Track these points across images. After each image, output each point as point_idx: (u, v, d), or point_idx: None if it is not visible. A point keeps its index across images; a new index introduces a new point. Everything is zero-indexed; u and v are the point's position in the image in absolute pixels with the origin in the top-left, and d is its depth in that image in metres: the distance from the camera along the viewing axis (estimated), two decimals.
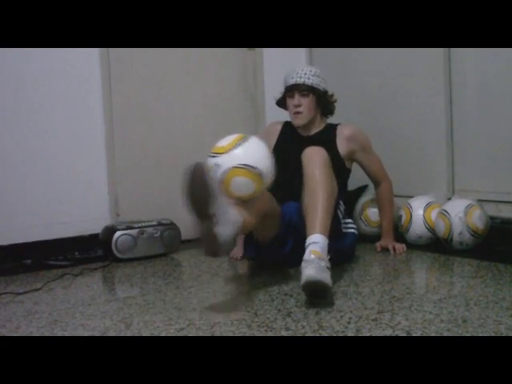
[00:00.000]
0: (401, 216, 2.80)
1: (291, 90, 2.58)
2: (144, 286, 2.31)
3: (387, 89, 3.14)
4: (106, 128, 2.99)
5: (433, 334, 1.58)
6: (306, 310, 1.86)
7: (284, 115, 2.70)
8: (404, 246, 2.67)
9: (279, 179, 2.63)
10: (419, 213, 2.74)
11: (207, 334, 1.68)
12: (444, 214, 2.60)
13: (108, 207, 3.01)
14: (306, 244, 1.98)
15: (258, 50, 3.43)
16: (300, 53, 3.57)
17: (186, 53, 3.18)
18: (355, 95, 3.30)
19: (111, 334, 1.72)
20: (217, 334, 1.68)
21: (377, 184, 2.76)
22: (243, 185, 1.98)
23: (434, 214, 2.69)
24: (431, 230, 2.71)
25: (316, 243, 1.97)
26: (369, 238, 2.82)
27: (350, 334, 1.62)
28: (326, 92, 2.63)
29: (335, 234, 2.17)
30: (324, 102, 2.64)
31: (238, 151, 1.98)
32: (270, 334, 1.66)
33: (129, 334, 1.72)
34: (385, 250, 2.69)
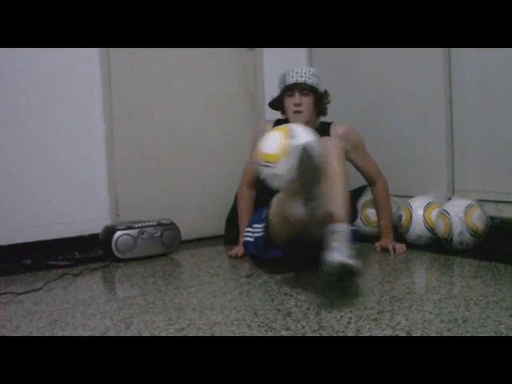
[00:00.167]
0: (401, 216, 2.80)
1: (291, 89, 2.58)
2: (144, 286, 2.31)
3: (387, 89, 3.14)
4: (106, 128, 2.99)
5: (433, 334, 1.58)
6: (306, 310, 1.86)
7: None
8: (404, 245, 2.67)
9: None
10: (419, 213, 2.74)
11: (207, 333, 1.68)
12: (444, 213, 2.60)
13: (108, 207, 3.01)
14: (329, 233, 1.99)
15: (257, 50, 3.43)
16: (300, 53, 3.57)
17: (185, 53, 3.18)
18: (355, 95, 3.31)
19: (111, 333, 1.72)
20: (217, 334, 1.68)
21: (372, 184, 2.77)
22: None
23: (434, 214, 2.69)
24: (431, 229, 2.71)
25: (339, 232, 1.99)
26: (368, 238, 2.82)
27: (350, 334, 1.62)
28: (325, 92, 2.64)
29: None
30: (321, 102, 2.64)
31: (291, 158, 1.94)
32: (270, 334, 1.66)
33: (129, 333, 1.72)
34: (385, 250, 2.69)
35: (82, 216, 2.92)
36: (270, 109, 2.81)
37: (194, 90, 3.25)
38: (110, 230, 2.78)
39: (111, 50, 2.97)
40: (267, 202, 2.45)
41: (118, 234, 2.74)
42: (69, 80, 2.87)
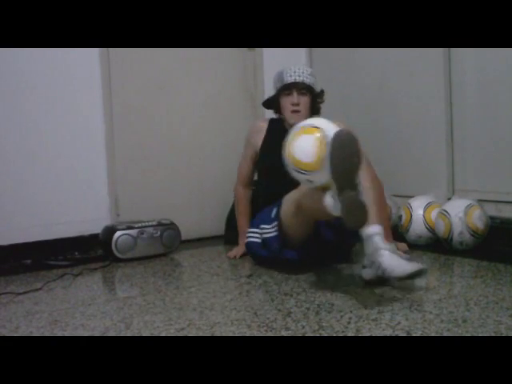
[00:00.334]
0: (401, 216, 2.80)
1: (289, 88, 2.57)
2: (144, 286, 2.30)
3: (387, 89, 3.14)
4: (106, 128, 2.99)
5: (433, 334, 1.58)
6: (306, 310, 1.86)
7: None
8: (405, 245, 2.67)
9: (270, 177, 2.64)
10: (419, 213, 2.74)
11: (207, 334, 1.68)
12: (444, 214, 2.60)
13: (108, 207, 3.01)
14: (370, 233, 1.99)
15: (257, 50, 3.43)
16: (300, 53, 3.57)
17: (185, 53, 3.18)
18: (355, 95, 3.31)
19: (111, 333, 1.72)
20: (217, 334, 1.68)
21: None
22: None
23: (434, 214, 2.69)
24: (431, 229, 2.71)
25: (380, 234, 2.00)
26: None
27: (350, 334, 1.62)
28: (322, 92, 2.64)
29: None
30: (317, 101, 2.64)
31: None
32: (270, 334, 1.66)
33: (129, 333, 1.72)
34: None
35: (82, 216, 2.92)
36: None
37: (194, 90, 3.25)
38: (110, 230, 2.78)
39: (111, 49, 2.97)
40: (271, 202, 2.45)
41: (117, 234, 2.74)
42: (69, 80, 2.87)
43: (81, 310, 1.99)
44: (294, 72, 2.56)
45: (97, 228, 2.88)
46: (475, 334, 1.56)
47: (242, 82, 3.44)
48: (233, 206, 3.06)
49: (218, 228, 3.21)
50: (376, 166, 2.39)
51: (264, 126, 2.72)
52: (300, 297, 2.00)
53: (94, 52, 2.92)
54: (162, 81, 3.16)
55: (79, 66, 2.90)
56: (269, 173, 2.65)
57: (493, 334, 1.56)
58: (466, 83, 2.77)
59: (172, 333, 1.70)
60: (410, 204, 2.79)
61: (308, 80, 2.57)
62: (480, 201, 2.63)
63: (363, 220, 1.86)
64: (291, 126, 2.62)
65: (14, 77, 2.75)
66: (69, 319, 1.88)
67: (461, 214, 2.55)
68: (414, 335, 1.59)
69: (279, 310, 1.86)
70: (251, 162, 2.77)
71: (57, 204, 2.85)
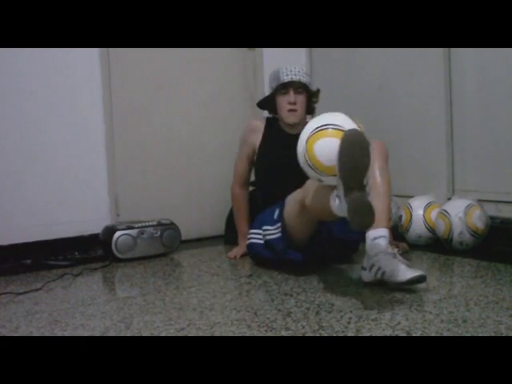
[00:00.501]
0: (401, 216, 2.80)
1: (285, 87, 2.57)
2: (144, 286, 2.31)
3: (387, 89, 3.14)
4: (106, 128, 2.99)
5: (433, 334, 1.58)
6: (306, 310, 1.86)
7: None
8: (405, 245, 2.67)
9: (269, 177, 2.64)
10: (419, 213, 2.74)
11: (207, 334, 1.68)
12: (444, 213, 2.60)
13: (108, 207, 3.01)
14: (375, 236, 2.00)
15: (258, 50, 3.43)
16: (300, 53, 3.57)
17: (186, 53, 3.17)
18: (355, 95, 3.31)
19: (111, 333, 1.72)
20: (217, 334, 1.67)
21: None
22: None
23: (434, 214, 2.69)
24: (431, 229, 2.71)
25: (385, 237, 2.01)
26: None
27: (350, 334, 1.62)
28: (317, 91, 2.64)
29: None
30: (312, 100, 2.65)
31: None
32: (270, 334, 1.66)
33: (129, 333, 1.72)
34: None
35: (82, 216, 2.92)
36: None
37: (193, 90, 3.25)
38: (110, 230, 2.78)
39: (111, 49, 2.97)
40: (270, 202, 2.45)
41: (117, 233, 2.74)
42: (69, 80, 2.87)
43: (81, 309, 1.99)
44: (291, 71, 2.56)
45: (97, 228, 2.88)
46: (475, 334, 1.56)
47: (242, 81, 3.44)
48: (233, 205, 3.06)
49: (218, 228, 3.21)
50: None
51: (261, 125, 2.71)
52: (300, 297, 2.00)
53: (94, 52, 2.92)
54: (162, 81, 3.16)
55: (79, 66, 2.90)
56: (268, 173, 2.64)
57: (493, 334, 1.56)
58: (466, 83, 2.77)
59: (172, 333, 1.70)
60: (409, 204, 2.79)
61: (304, 79, 2.57)
62: (480, 201, 2.63)
63: (369, 222, 1.81)
64: (287, 125, 2.63)
65: (14, 77, 2.75)
66: (69, 319, 1.88)
67: (461, 214, 2.55)
68: (414, 335, 1.59)
69: (279, 310, 1.86)
70: (248, 161, 2.76)
71: (57, 204, 2.85)
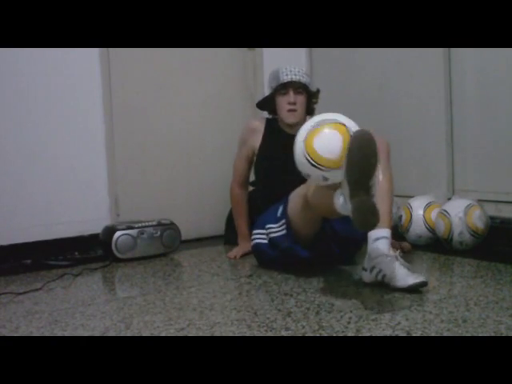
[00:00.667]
0: (401, 216, 2.80)
1: (285, 87, 2.57)
2: (144, 286, 2.31)
3: (387, 89, 3.14)
4: (106, 128, 2.99)
5: (433, 334, 1.58)
6: (306, 310, 1.86)
7: None
8: (408, 244, 2.67)
9: (269, 178, 2.64)
10: (419, 213, 2.74)
11: (207, 334, 1.68)
12: (444, 213, 2.60)
13: (108, 207, 3.01)
14: (377, 236, 2.00)
15: (258, 50, 3.43)
16: (300, 53, 3.57)
17: (186, 53, 3.18)
18: (355, 95, 3.31)
19: (111, 333, 1.72)
20: (217, 334, 1.68)
21: None
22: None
23: (434, 214, 2.69)
24: (431, 229, 2.71)
25: (387, 238, 2.01)
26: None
27: (350, 334, 1.62)
28: (317, 91, 2.64)
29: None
30: (312, 101, 2.64)
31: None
32: (270, 334, 1.66)
33: (129, 333, 1.72)
34: None
35: (82, 216, 2.92)
36: None
37: (193, 90, 3.25)
38: (110, 230, 2.78)
39: (111, 49, 2.97)
40: (270, 203, 2.44)
41: (117, 233, 2.74)
42: (69, 80, 2.87)
43: (81, 309, 1.99)
44: (290, 71, 2.56)
45: (97, 228, 2.88)
46: (475, 334, 1.56)
47: (242, 81, 3.44)
48: None
49: (218, 228, 3.21)
50: None
51: (260, 125, 2.70)
52: (300, 297, 2.00)
53: (94, 52, 2.92)
54: (162, 81, 3.16)
55: (79, 66, 2.90)
56: (268, 174, 2.64)
57: (493, 334, 1.56)
58: (466, 83, 2.77)
59: (172, 333, 1.70)
60: (410, 204, 2.79)
61: (304, 79, 2.57)
62: (480, 201, 2.63)
63: (374, 223, 1.79)
64: (287, 125, 2.63)
65: (14, 77, 2.75)
66: (69, 319, 1.88)
67: (461, 214, 2.55)
68: (414, 335, 1.59)
69: (279, 310, 1.86)
70: (247, 161, 2.75)
71: (57, 204, 2.85)
